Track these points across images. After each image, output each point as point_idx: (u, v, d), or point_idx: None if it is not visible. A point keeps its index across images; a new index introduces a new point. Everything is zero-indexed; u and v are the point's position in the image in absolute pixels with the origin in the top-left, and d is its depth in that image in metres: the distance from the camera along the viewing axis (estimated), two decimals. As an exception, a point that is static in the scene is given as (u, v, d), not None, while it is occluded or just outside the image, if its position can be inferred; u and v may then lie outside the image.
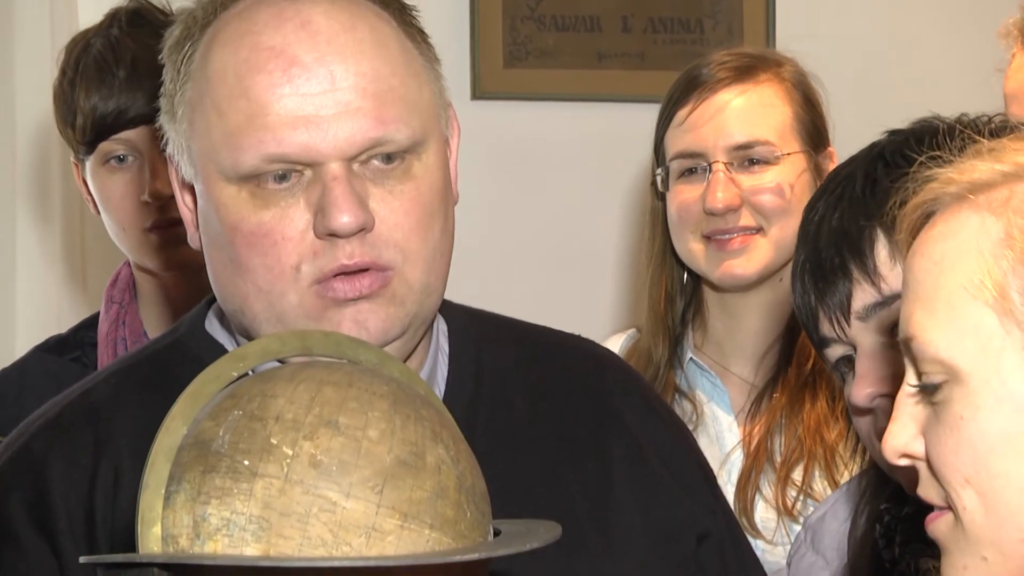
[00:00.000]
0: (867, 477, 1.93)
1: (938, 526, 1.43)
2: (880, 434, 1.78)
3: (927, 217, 1.46)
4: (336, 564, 1.37)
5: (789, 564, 1.99)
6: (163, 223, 2.67)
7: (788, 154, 2.69)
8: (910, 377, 1.45)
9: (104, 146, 2.67)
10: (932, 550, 1.74)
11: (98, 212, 2.76)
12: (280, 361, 1.61)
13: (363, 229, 1.77)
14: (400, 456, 1.43)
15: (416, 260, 1.80)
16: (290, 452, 1.41)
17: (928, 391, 1.43)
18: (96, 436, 1.84)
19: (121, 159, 2.67)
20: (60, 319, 3.01)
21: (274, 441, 1.41)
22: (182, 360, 1.88)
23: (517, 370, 1.98)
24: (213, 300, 1.95)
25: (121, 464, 1.82)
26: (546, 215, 3.66)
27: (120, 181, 2.68)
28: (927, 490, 1.43)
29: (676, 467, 2.01)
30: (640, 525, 1.94)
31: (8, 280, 3.41)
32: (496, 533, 1.51)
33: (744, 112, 2.69)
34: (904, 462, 1.45)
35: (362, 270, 1.78)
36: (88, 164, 2.70)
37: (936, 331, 1.40)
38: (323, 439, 1.42)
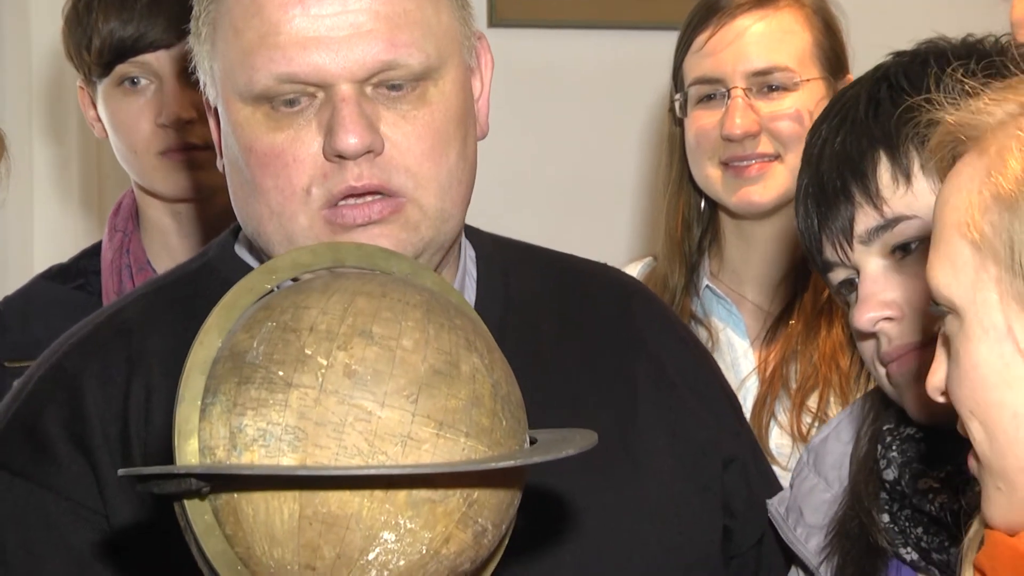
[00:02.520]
0: (870, 400, 1.94)
1: (969, 460, 1.47)
2: (883, 358, 1.79)
3: (954, 160, 1.48)
4: (372, 472, 1.38)
5: (792, 486, 2.00)
6: (178, 147, 2.67)
7: (807, 80, 2.68)
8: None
9: (120, 69, 2.67)
10: (930, 470, 1.76)
11: (105, 135, 2.76)
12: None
13: (371, 151, 1.78)
14: (434, 365, 1.43)
15: (429, 185, 1.81)
16: (324, 362, 1.41)
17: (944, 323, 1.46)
18: (128, 354, 1.85)
19: (135, 82, 2.66)
20: (77, 246, 3.00)
21: (308, 352, 1.42)
22: (212, 281, 1.89)
23: (544, 296, 1.99)
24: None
25: (152, 382, 1.83)
26: (563, 142, 3.65)
27: (134, 104, 2.68)
28: (960, 426, 1.47)
29: (701, 392, 2.02)
30: (666, 448, 1.95)
31: (26, 207, 3.41)
32: (532, 442, 1.52)
33: (763, 38, 2.68)
34: (943, 399, 1.48)
35: (371, 194, 1.79)
36: (101, 87, 2.70)
37: (940, 270, 1.44)
38: (357, 349, 1.42)
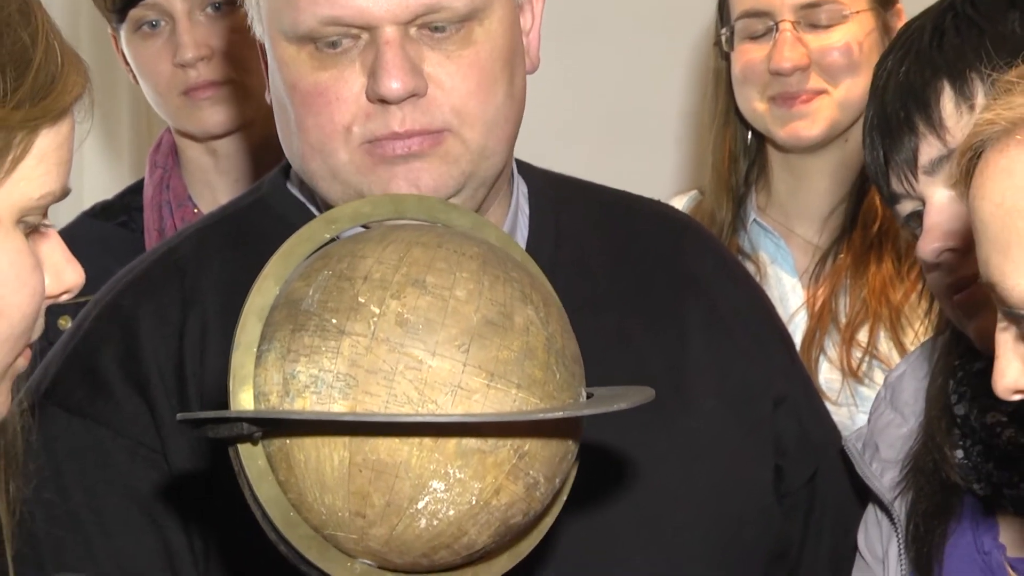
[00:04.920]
0: (944, 334, 1.93)
1: None
2: (949, 289, 1.78)
3: (978, 156, 1.44)
4: (422, 420, 1.38)
5: (869, 421, 1.99)
6: (198, 85, 2.67)
7: (856, 12, 2.65)
8: (1000, 314, 1.44)
9: (134, 13, 2.66)
10: (1000, 405, 1.74)
11: (137, 81, 2.76)
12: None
13: (414, 95, 1.77)
14: (487, 316, 1.43)
15: (474, 123, 1.80)
16: (377, 311, 1.41)
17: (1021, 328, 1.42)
18: (182, 292, 1.86)
19: (153, 25, 2.66)
20: (125, 185, 3.01)
21: (361, 300, 1.42)
22: (265, 218, 1.90)
23: (595, 233, 1.98)
24: None
25: (207, 320, 1.84)
26: (608, 75, 3.62)
27: (153, 47, 2.68)
28: None
29: (753, 331, 2.01)
30: (716, 387, 1.94)
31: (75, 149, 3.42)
32: (589, 397, 1.51)
33: (811, -32, 2.65)
34: (1018, 397, 1.44)
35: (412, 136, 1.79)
36: (122, 33, 2.70)
37: (1016, 275, 1.39)
38: (410, 298, 1.42)
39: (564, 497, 1.55)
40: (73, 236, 2.70)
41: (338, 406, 1.40)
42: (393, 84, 1.75)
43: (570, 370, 1.48)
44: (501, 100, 1.81)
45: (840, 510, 2.02)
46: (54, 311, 2.35)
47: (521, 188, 1.96)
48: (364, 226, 1.57)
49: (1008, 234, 1.39)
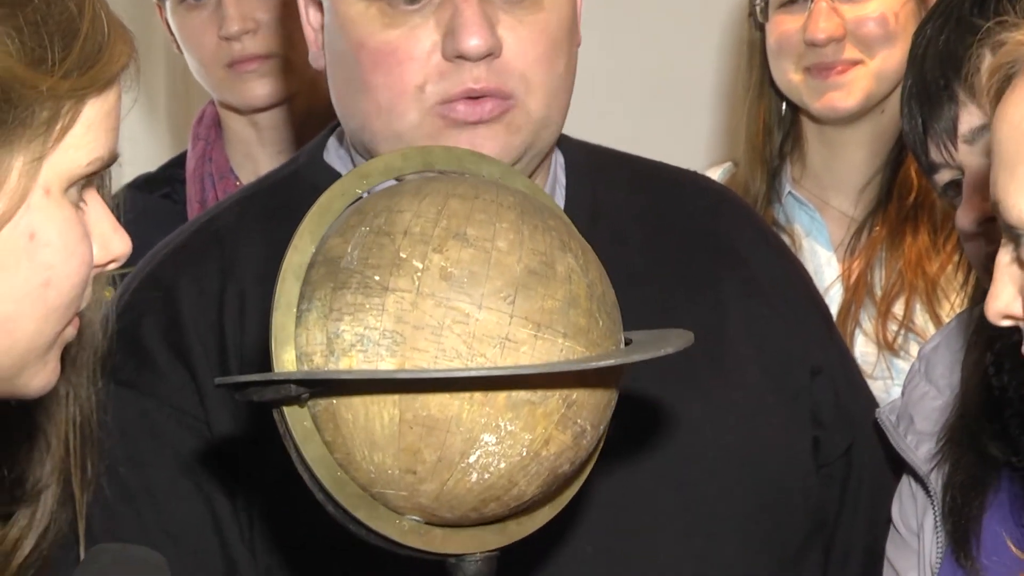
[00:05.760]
0: (980, 306, 1.92)
1: None
2: (988, 259, 1.76)
3: (1008, 80, 1.44)
4: (473, 374, 1.37)
5: (903, 394, 1.98)
6: (243, 58, 2.67)
7: (892, -18, 2.64)
8: (1004, 240, 1.45)
9: None
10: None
11: (181, 52, 2.76)
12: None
13: (491, 54, 1.77)
14: (530, 266, 1.42)
15: (538, 91, 1.80)
16: (420, 265, 1.40)
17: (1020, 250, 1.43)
18: (221, 263, 1.86)
19: None
20: (166, 157, 3.01)
21: (403, 255, 1.41)
22: (300, 189, 1.88)
23: (633, 204, 1.98)
24: (335, 127, 1.94)
25: (246, 290, 1.83)
26: (642, 47, 3.61)
27: (197, 19, 2.68)
28: None
29: (790, 302, 2.00)
30: (753, 358, 1.94)
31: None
32: (627, 343, 1.50)
33: (846, -62, 2.64)
34: (1007, 323, 1.45)
35: (486, 96, 1.78)
36: (168, 3, 2.71)
37: (1018, 195, 1.40)
38: (452, 251, 1.41)
39: (601, 445, 1.54)
40: (116, 208, 2.72)
41: (386, 364, 1.39)
42: (473, 41, 1.75)
43: (611, 317, 1.47)
44: (562, 70, 1.82)
45: (877, 481, 2.02)
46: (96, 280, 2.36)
47: (559, 159, 1.96)
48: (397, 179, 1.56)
49: (1019, 155, 1.40)
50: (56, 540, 1.68)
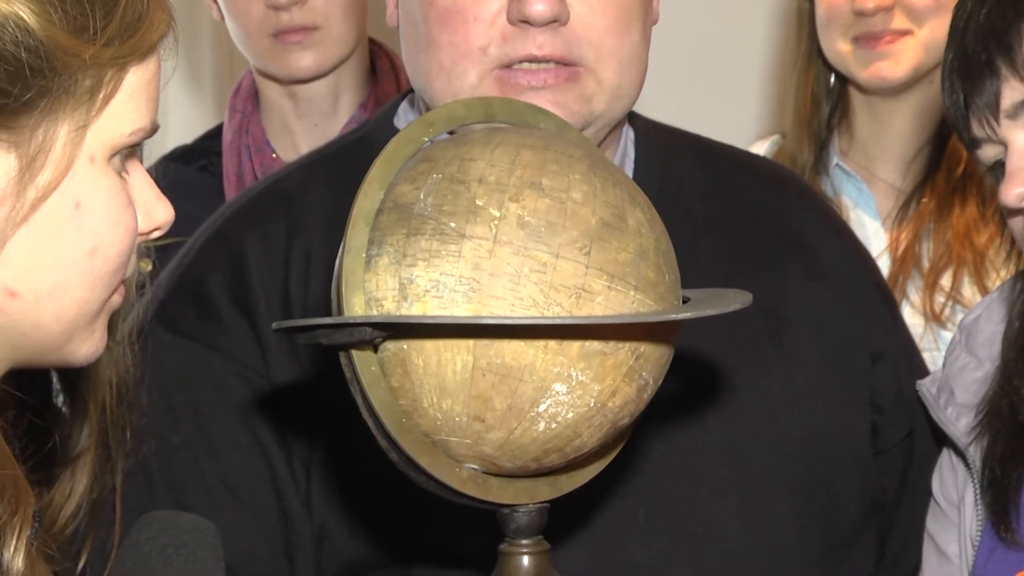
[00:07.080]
0: (1022, 279, 1.90)
1: None
2: None
3: None
4: (554, 322, 1.37)
5: (943, 365, 1.97)
6: (289, 29, 2.67)
7: (942, -49, 2.62)
8: None
9: None
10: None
11: (222, 18, 2.76)
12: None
13: (556, 20, 1.77)
14: (604, 218, 1.41)
15: (610, 60, 1.80)
16: (497, 213, 1.40)
17: None
18: (288, 222, 1.87)
19: None
20: (207, 128, 3.01)
21: (480, 203, 1.40)
22: (369, 152, 1.87)
23: (699, 182, 1.98)
24: (407, 92, 1.95)
25: (312, 249, 1.84)
26: (691, 18, 3.60)
27: None
28: None
29: (854, 287, 2.00)
30: (813, 340, 1.94)
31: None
32: (684, 301, 1.50)
33: (896, -93, 2.62)
34: None
35: (548, 62, 1.78)
36: None
37: None
38: (529, 200, 1.40)
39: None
40: (154, 179, 2.72)
41: (461, 310, 1.38)
42: (539, 6, 1.75)
43: (674, 272, 1.48)
44: (636, 40, 1.82)
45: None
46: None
47: (628, 134, 1.97)
48: (449, 132, 1.55)
49: None
50: (98, 502, 1.69)
